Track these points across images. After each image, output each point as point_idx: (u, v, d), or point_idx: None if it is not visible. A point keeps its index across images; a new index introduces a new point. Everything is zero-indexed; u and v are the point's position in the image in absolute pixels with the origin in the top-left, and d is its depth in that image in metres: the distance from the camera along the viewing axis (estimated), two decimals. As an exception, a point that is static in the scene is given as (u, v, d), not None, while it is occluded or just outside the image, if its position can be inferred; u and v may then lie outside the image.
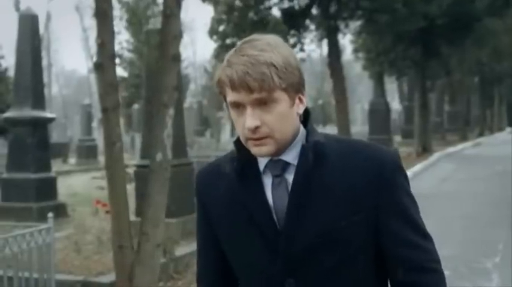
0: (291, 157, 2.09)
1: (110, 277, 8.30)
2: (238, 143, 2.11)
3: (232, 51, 2.05)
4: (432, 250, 2.14)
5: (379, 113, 33.25)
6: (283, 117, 2.03)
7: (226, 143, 29.80)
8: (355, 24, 26.61)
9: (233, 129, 38.53)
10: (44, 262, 7.48)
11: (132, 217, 8.84)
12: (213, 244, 2.26)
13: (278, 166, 2.09)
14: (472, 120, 54.03)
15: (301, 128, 2.13)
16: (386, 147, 2.22)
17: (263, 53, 1.99)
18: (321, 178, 2.07)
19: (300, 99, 2.09)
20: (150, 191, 7.13)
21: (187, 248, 10.08)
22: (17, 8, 45.89)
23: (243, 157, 2.11)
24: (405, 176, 2.15)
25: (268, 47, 2.01)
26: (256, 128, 2.00)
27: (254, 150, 2.05)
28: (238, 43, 2.07)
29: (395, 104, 58.51)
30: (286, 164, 2.09)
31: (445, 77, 40.43)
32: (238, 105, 2.02)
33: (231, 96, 2.01)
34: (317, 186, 2.07)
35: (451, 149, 33.59)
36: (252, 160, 2.11)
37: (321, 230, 2.05)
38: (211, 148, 27.65)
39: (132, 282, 7.03)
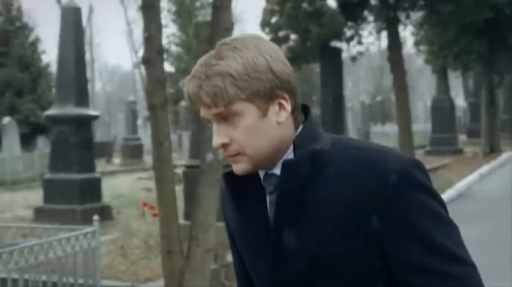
0: None
1: (158, 283, 8.37)
2: None
3: (201, 58, 1.93)
4: (466, 277, 1.82)
5: (442, 110, 32.98)
6: (251, 131, 1.87)
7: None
8: (417, 15, 26.40)
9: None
10: (89, 267, 7.57)
11: (181, 220, 8.90)
12: (240, 262, 2.20)
13: (271, 181, 1.95)
14: (543, 117, 53.15)
15: (303, 134, 1.94)
16: (403, 153, 1.94)
17: (221, 62, 1.85)
18: (314, 195, 1.88)
19: (281, 105, 1.89)
20: (200, 193, 7.16)
21: (239, 253, 10.11)
22: (59, 1, 46.48)
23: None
24: (424, 189, 1.85)
25: (231, 52, 1.86)
26: (224, 145, 1.90)
27: (233, 167, 1.95)
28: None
29: (460, 101, 57.96)
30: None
31: (514, 71, 39.88)
32: (209, 121, 1.92)
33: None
34: (308, 204, 1.88)
35: (520, 149, 33.12)
36: (254, 175, 1.98)
37: (310, 257, 1.88)
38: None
39: (181, 289, 7.08)
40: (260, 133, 1.87)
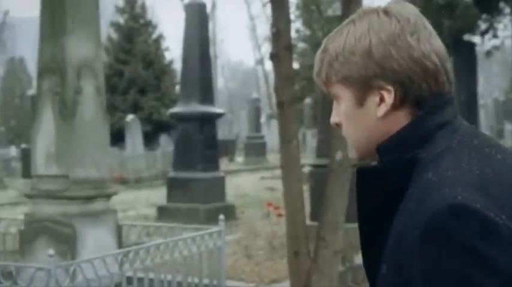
0: None
1: (284, 285, 8.39)
2: None
3: None
4: None
5: None
6: (348, 118, 1.71)
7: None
8: (557, 6, 25.65)
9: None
10: (214, 267, 7.65)
11: (307, 221, 8.90)
12: None
13: None
14: None
15: (401, 135, 1.66)
16: (458, 192, 1.48)
17: (334, 35, 1.71)
18: (390, 216, 1.62)
19: (382, 97, 1.64)
20: (329, 193, 7.12)
21: (367, 256, 10.04)
22: (181, -2, 47.19)
23: None
24: (458, 246, 1.43)
25: (345, 26, 1.69)
26: (338, 125, 1.75)
27: None
28: None
29: None
30: None
31: None
32: None
33: None
34: (383, 224, 1.65)
35: None
36: None
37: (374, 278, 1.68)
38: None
39: (308, 291, 7.07)
40: (356, 123, 1.70)
